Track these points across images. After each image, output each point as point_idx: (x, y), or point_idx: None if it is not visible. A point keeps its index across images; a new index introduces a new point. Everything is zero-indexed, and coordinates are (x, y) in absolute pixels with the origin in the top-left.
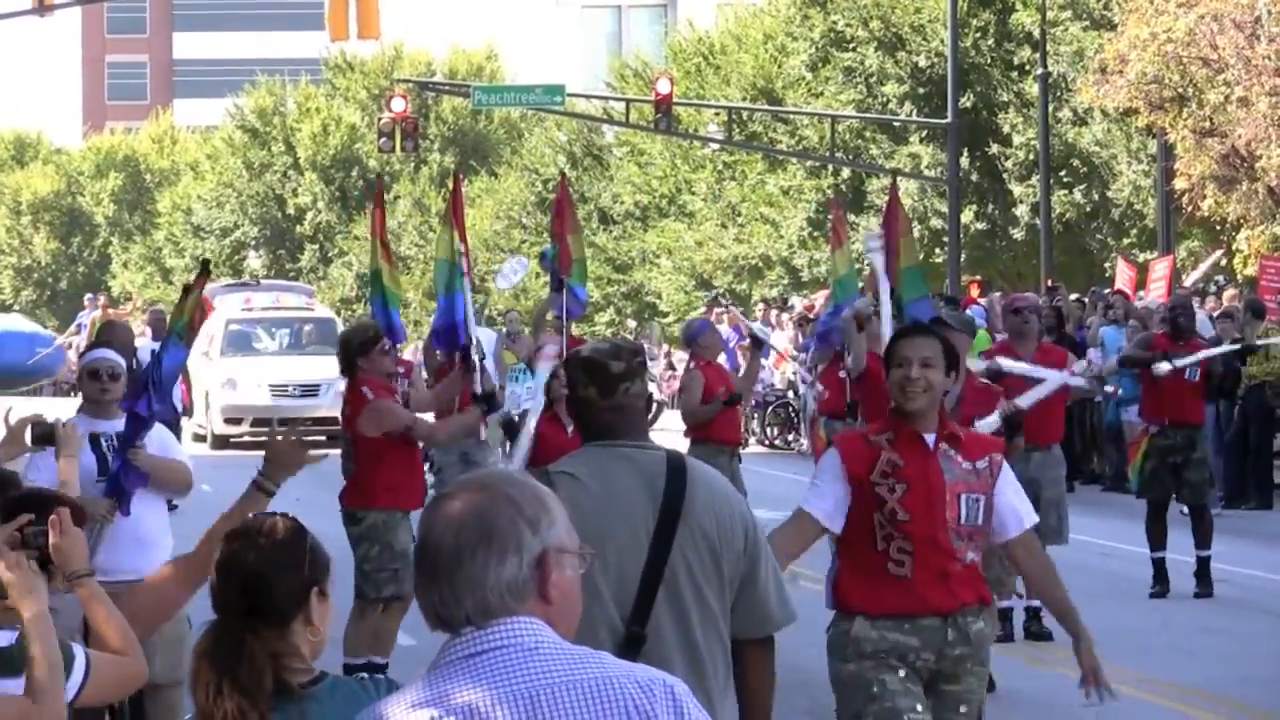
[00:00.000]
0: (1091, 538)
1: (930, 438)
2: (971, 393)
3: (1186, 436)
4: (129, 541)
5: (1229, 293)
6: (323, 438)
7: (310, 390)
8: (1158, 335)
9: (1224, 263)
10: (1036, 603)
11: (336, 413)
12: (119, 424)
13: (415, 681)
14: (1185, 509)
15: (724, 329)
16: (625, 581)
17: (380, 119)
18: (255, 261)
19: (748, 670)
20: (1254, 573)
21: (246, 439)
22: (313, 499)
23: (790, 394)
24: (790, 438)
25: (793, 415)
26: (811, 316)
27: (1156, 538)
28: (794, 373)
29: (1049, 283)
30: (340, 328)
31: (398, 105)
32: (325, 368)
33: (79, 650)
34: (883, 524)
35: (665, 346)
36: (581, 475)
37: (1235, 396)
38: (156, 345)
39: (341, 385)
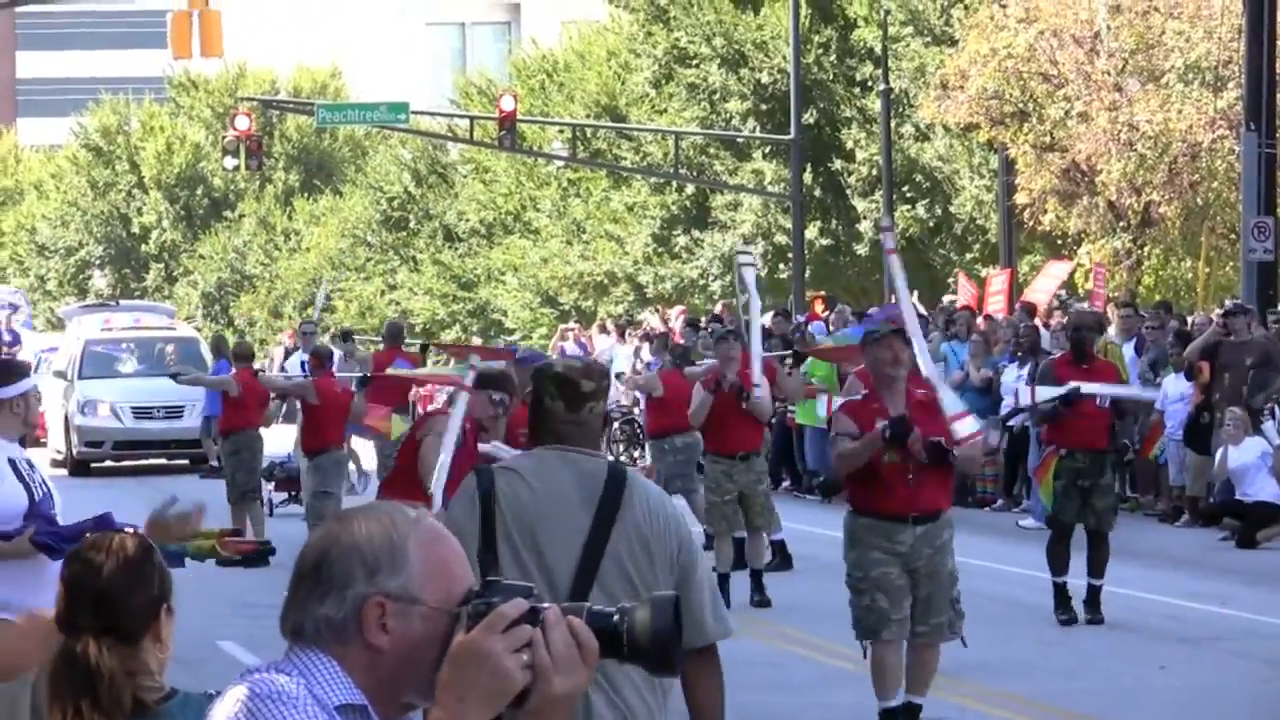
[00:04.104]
0: None
1: None
2: (916, 406)
3: (1095, 461)
4: (52, 580)
5: (1080, 306)
6: (185, 461)
7: (174, 413)
8: (1058, 360)
9: (1066, 282)
10: None
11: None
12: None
13: None
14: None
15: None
16: (558, 577)
17: (225, 137)
18: (100, 281)
19: (694, 681)
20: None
21: (108, 463)
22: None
23: (635, 411)
24: (636, 454)
25: (637, 432)
26: (659, 332)
27: (1059, 562)
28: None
29: (892, 299)
30: (203, 348)
31: (242, 123)
32: (189, 389)
33: None
34: None
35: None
36: (525, 473)
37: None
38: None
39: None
